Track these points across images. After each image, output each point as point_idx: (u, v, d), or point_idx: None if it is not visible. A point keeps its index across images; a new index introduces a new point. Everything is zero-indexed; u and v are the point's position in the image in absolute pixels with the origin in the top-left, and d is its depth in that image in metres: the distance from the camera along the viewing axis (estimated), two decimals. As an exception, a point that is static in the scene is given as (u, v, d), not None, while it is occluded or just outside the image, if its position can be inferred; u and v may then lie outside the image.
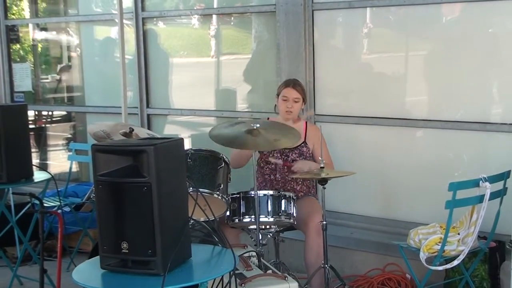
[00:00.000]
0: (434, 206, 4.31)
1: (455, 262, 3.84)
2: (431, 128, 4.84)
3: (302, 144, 4.57)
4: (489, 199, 3.79)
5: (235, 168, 4.47)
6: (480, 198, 3.80)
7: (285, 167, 4.49)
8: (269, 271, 3.46)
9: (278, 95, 4.60)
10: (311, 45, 5.25)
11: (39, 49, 7.75)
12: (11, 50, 7.52)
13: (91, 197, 5.32)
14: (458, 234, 3.94)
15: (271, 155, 4.54)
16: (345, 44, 5.36)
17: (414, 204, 4.94)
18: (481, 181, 3.79)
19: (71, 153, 6.14)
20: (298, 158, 4.55)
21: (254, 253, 3.69)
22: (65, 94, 7.59)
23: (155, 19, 6.40)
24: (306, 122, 4.71)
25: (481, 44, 4.60)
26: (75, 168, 6.60)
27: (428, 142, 4.94)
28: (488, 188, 3.78)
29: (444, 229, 3.88)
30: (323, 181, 4.04)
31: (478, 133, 4.63)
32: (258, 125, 4.01)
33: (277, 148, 4.38)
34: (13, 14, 7.87)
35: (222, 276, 2.83)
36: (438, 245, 3.88)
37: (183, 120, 6.43)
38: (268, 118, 4.78)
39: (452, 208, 3.72)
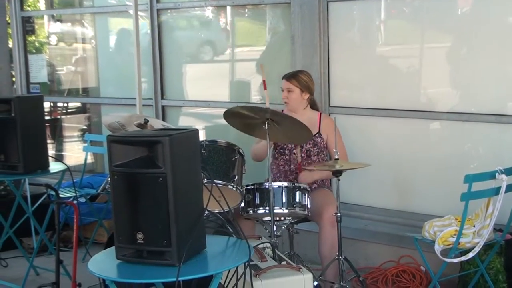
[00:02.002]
0: (449, 198, 4.30)
1: (470, 255, 3.82)
2: (447, 120, 4.82)
3: (316, 135, 4.57)
4: (505, 192, 3.76)
5: (256, 161, 4.59)
6: (496, 190, 3.78)
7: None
8: (284, 263, 3.46)
9: None
10: (326, 37, 5.24)
11: (54, 40, 7.79)
12: (27, 42, 7.56)
13: (106, 188, 5.33)
14: (474, 226, 3.93)
15: (285, 146, 4.55)
16: (360, 35, 5.34)
17: (429, 196, 4.92)
18: (497, 173, 3.77)
19: (86, 144, 6.18)
20: (312, 149, 4.55)
21: (268, 245, 3.69)
22: (80, 86, 7.62)
23: (169, 10, 6.40)
24: (320, 113, 4.71)
25: (497, 35, 4.56)
26: (90, 159, 6.63)
27: (443, 134, 4.92)
28: (504, 180, 3.75)
29: (459, 221, 3.86)
30: (338, 173, 4.03)
31: (494, 125, 4.60)
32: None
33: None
34: (29, 5, 7.92)
35: (237, 267, 2.83)
36: (453, 237, 3.86)
37: (197, 111, 6.45)
38: (282, 110, 4.77)
39: (468, 200, 3.70)
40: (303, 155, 4.55)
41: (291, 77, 4.61)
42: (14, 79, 7.68)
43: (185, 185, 2.65)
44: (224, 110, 3.74)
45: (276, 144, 4.59)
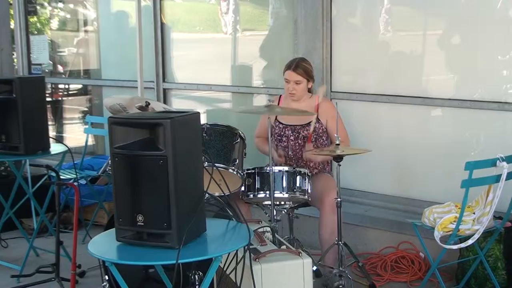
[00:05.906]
0: (449, 185, 4.30)
1: (470, 242, 3.82)
2: (449, 107, 4.81)
3: (315, 120, 4.55)
4: (506, 179, 3.76)
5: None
6: (497, 178, 3.77)
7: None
8: (283, 247, 3.46)
9: None
10: (329, 22, 5.21)
11: (56, 22, 7.76)
12: (29, 23, 7.53)
13: (107, 170, 5.35)
14: (474, 213, 3.93)
15: (283, 133, 4.54)
16: (363, 21, 5.31)
17: (429, 183, 4.92)
18: (498, 161, 3.77)
19: (87, 126, 6.18)
20: (311, 135, 4.53)
21: (268, 229, 3.70)
22: (82, 68, 7.60)
23: (172, -7, 6.38)
24: (317, 97, 4.67)
25: (500, 22, 4.54)
26: (90, 141, 6.63)
27: (445, 121, 4.91)
28: (505, 168, 3.75)
29: (459, 208, 3.87)
30: (339, 158, 4.03)
31: (496, 113, 4.58)
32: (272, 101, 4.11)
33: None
34: (31, -14, 7.87)
35: (237, 251, 2.83)
36: (453, 224, 3.87)
37: (199, 95, 6.43)
38: (280, 96, 4.75)
39: (468, 187, 3.70)
40: (300, 141, 4.52)
41: (297, 67, 4.46)
42: (15, 60, 7.66)
43: (186, 168, 2.65)
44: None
45: (274, 131, 4.56)
